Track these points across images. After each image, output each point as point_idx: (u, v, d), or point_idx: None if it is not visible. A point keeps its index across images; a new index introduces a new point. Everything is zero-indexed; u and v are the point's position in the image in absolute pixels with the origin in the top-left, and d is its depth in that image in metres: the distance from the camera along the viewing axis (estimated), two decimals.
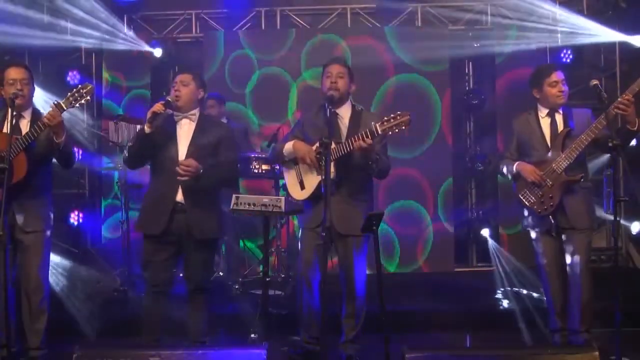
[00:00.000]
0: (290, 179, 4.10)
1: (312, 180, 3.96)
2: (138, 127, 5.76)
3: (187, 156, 3.77)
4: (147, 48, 7.15)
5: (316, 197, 3.91)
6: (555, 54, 7.15)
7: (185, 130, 3.87)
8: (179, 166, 3.67)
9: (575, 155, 3.94)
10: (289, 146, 4.04)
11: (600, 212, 6.46)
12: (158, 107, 3.73)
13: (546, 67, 4.25)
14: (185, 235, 3.79)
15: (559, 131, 4.07)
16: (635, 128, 3.81)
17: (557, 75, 4.07)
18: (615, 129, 3.83)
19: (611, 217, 4.05)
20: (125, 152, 3.95)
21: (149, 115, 3.72)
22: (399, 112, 3.62)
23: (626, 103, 3.76)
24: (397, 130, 3.62)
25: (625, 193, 6.07)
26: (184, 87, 3.86)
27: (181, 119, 3.89)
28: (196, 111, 3.92)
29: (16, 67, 4.03)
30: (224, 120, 6.13)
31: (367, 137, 3.65)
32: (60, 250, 6.69)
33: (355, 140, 3.69)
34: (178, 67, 7.41)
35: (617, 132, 3.79)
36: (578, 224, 4.00)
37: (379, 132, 3.63)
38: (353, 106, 4.06)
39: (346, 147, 3.76)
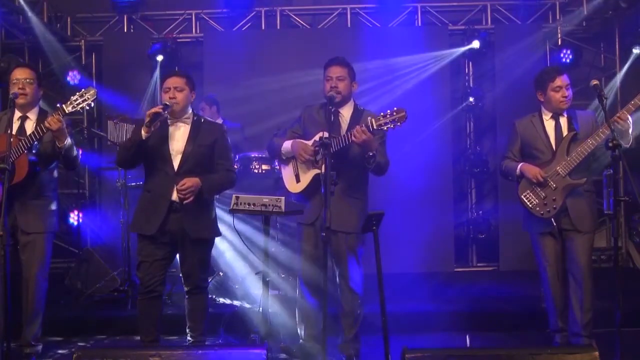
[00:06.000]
0: (287, 172, 4.13)
1: (307, 174, 3.97)
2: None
3: (182, 159, 3.76)
4: None
5: (310, 191, 3.94)
6: (555, 54, 7.14)
7: (179, 133, 3.82)
8: (178, 191, 3.66)
9: (579, 160, 3.94)
10: (287, 146, 4.06)
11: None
12: (156, 109, 3.67)
13: (550, 71, 4.18)
14: (180, 234, 3.78)
15: (564, 134, 4.06)
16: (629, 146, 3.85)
17: (562, 80, 4.04)
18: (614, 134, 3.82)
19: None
20: (118, 156, 3.90)
21: (146, 119, 3.65)
22: (395, 108, 3.63)
23: (624, 119, 3.79)
24: (392, 126, 3.63)
25: (625, 193, 6.08)
26: (179, 92, 3.78)
27: (175, 122, 3.84)
28: (189, 114, 3.88)
29: (21, 67, 4.06)
30: (220, 121, 6.17)
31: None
32: (60, 250, 6.71)
33: (354, 134, 3.69)
34: (178, 67, 7.43)
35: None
36: (581, 227, 4.01)
37: (374, 126, 3.64)
38: (355, 105, 4.07)
39: (345, 140, 3.76)
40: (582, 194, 4.03)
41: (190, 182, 3.67)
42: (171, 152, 3.77)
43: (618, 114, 3.84)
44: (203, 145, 3.82)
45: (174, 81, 3.81)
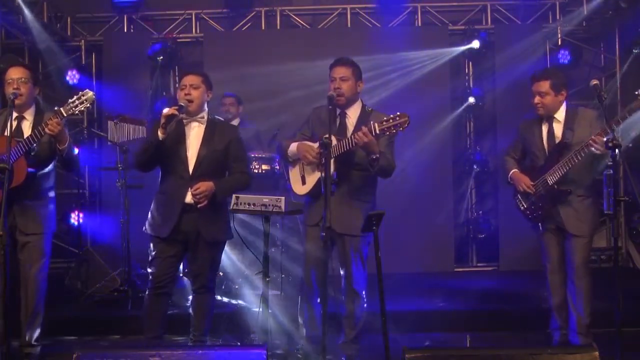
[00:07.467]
0: (293, 174, 4.13)
1: (312, 177, 3.97)
2: (140, 127, 5.74)
3: (197, 163, 3.77)
4: None
5: (315, 193, 3.93)
6: (555, 54, 7.14)
7: (195, 134, 3.83)
8: (193, 195, 3.68)
9: (566, 170, 3.94)
10: (292, 148, 4.06)
11: None
12: (172, 110, 3.66)
13: (532, 76, 4.19)
14: (194, 235, 3.79)
15: (556, 141, 4.05)
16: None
17: (534, 87, 4.06)
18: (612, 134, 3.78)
19: None
20: (135, 159, 3.91)
21: (162, 120, 3.65)
22: (398, 113, 3.62)
23: (599, 143, 3.73)
24: (394, 131, 3.63)
25: (625, 193, 6.08)
26: (194, 90, 3.79)
27: (190, 122, 3.85)
28: (205, 114, 3.88)
29: (15, 66, 4.05)
30: (238, 120, 6.16)
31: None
32: (60, 250, 6.71)
33: (356, 136, 3.69)
34: (178, 67, 7.44)
35: None
36: (573, 230, 4.03)
37: (377, 131, 3.63)
38: (364, 106, 4.04)
39: (348, 144, 3.76)
40: (572, 201, 4.01)
41: (204, 186, 3.68)
42: (187, 155, 3.78)
43: (593, 137, 3.78)
44: (217, 149, 3.83)
45: (190, 79, 3.83)
